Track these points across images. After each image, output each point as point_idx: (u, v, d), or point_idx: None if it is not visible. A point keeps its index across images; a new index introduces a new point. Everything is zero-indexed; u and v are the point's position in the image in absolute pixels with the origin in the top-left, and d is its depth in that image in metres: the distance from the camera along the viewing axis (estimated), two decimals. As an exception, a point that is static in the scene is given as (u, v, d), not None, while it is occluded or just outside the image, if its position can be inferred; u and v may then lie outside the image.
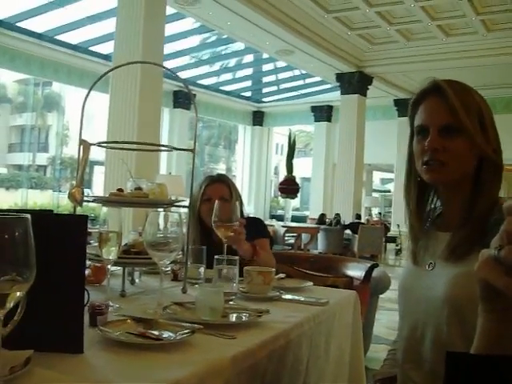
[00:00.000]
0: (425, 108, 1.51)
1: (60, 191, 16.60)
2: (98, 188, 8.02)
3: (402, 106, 16.27)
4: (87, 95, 2.03)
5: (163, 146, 2.59)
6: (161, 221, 1.73)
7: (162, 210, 1.93)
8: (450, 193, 1.51)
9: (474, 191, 1.45)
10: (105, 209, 1.87)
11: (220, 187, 2.68)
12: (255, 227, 2.72)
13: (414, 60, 13.14)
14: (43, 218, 1.23)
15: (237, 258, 1.97)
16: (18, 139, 19.23)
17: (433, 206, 1.61)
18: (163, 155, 14.01)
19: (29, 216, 0.93)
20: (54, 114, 17.74)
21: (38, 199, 15.50)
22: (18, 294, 0.93)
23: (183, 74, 13.98)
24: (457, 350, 1.32)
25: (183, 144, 15.09)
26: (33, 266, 0.92)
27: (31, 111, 16.72)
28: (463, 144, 1.43)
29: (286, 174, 11.30)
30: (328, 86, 16.19)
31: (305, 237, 12.13)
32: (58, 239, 1.22)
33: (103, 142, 2.11)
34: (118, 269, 2.10)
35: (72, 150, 17.46)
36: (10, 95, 17.11)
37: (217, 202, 2.29)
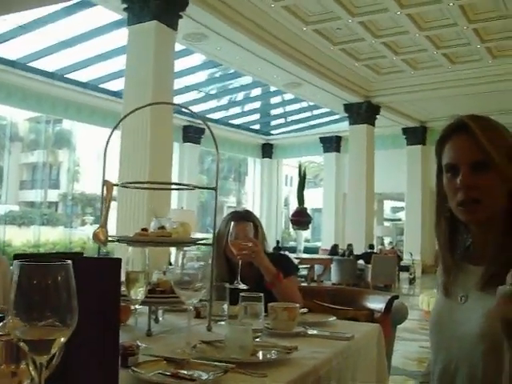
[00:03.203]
0: (452, 146, 1.51)
1: (72, 227, 16.65)
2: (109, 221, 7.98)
3: (410, 135, 16.37)
4: (108, 141, 2.06)
5: (185, 185, 2.61)
6: (185, 259, 1.74)
7: (186, 248, 1.95)
8: (482, 229, 1.49)
9: (507, 225, 1.44)
10: (129, 248, 1.88)
11: (247, 227, 2.65)
12: (281, 265, 2.71)
13: (421, 88, 13.27)
14: (77, 261, 1.25)
15: (261, 294, 1.97)
16: (30, 176, 19.37)
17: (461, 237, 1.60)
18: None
19: (70, 262, 0.94)
20: (64, 151, 17.87)
21: (50, 236, 15.54)
22: (62, 339, 0.94)
23: (192, 109, 14.09)
24: None
25: (193, 178, 15.18)
26: (75, 311, 0.93)
27: (42, 148, 16.85)
28: (494, 179, 1.43)
29: (297, 205, 11.33)
30: (336, 116, 16.32)
31: (317, 268, 12.08)
32: (92, 283, 1.24)
33: (127, 183, 2.13)
34: (141, 307, 2.11)
35: (83, 187, 17.57)
36: (21, 133, 17.29)
37: (233, 223, 2.47)
